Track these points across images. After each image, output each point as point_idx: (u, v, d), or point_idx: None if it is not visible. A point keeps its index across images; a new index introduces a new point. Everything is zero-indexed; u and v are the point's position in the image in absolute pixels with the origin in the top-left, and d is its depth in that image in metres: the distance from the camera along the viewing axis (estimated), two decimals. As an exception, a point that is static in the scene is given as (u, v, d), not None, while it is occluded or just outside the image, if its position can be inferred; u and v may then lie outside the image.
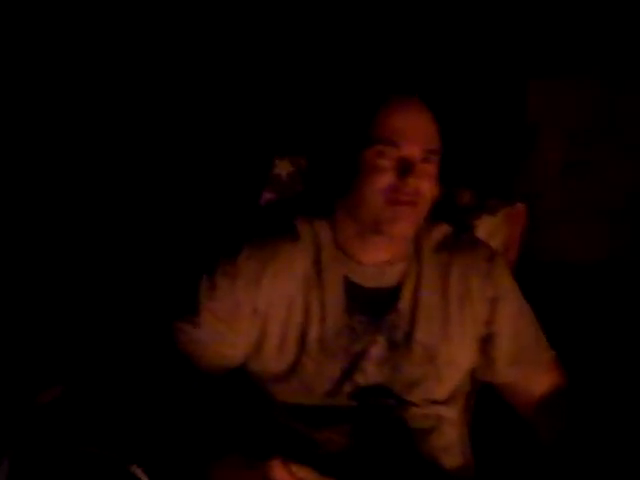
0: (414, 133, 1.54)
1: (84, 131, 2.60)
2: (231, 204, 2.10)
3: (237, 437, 1.51)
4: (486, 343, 1.67)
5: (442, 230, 1.70)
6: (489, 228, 1.89)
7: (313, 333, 1.60)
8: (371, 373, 1.60)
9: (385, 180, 1.53)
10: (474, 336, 1.66)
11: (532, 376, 1.68)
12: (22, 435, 1.40)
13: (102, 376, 1.56)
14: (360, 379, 1.60)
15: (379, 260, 1.63)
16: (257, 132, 2.54)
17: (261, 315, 1.60)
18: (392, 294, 1.63)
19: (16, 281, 2.42)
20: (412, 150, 1.54)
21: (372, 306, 1.62)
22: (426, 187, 1.55)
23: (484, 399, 1.79)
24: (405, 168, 1.53)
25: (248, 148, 2.49)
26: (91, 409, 1.50)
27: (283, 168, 1.94)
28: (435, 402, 1.63)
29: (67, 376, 1.50)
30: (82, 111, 2.60)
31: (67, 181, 2.58)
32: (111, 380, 1.55)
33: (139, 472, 1.33)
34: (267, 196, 1.93)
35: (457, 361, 1.65)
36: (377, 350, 1.61)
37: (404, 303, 1.62)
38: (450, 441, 1.65)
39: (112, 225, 2.54)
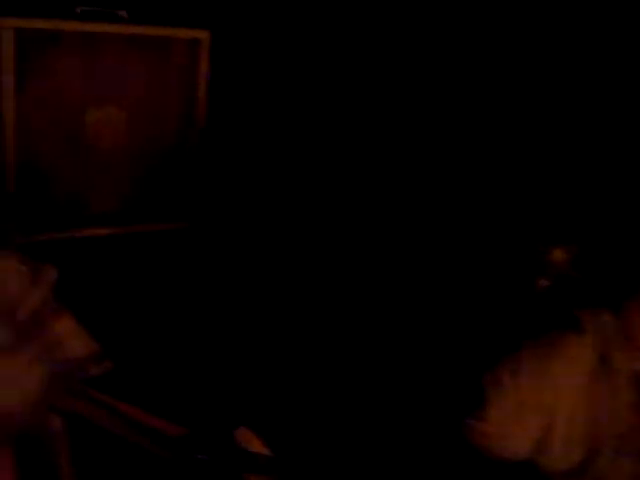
0: None
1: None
2: (508, 293, 2.12)
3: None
4: None
5: None
6: None
7: (604, 429, 1.58)
8: None
9: None
10: None
11: None
12: None
13: None
14: None
15: None
16: (532, 221, 2.54)
17: (546, 411, 1.61)
18: None
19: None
20: None
21: None
22: None
23: None
24: None
25: (524, 237, 2.50)
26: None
27: (557, 255, 1.95)
28: None
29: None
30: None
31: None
32: None
33: None
34: (542, 283, 1.94)
35: None
36: None
37: None
38: None
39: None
